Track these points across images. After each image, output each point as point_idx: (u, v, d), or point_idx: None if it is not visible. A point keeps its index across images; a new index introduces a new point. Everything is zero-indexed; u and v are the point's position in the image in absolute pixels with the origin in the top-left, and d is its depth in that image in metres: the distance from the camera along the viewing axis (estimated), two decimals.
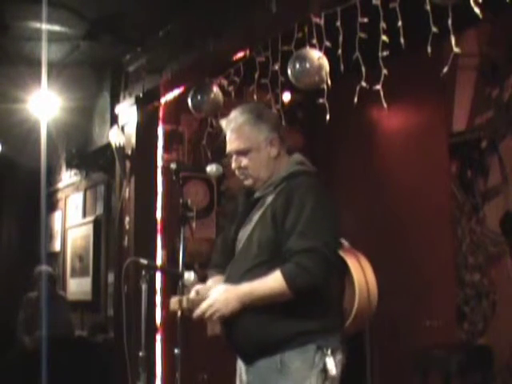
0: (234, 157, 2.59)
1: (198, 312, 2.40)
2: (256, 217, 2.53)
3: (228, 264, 2.58)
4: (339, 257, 2.52)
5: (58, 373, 5.03)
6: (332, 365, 2.37)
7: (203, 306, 2.39)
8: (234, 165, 2.60)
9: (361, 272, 2.52)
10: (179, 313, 2.50)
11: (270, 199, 2.52)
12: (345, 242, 2.61)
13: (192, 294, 2.50)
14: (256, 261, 2.43)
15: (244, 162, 2.56)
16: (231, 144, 2.59)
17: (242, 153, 2.56)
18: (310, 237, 2.35)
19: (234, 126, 2.57)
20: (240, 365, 2.56)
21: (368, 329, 4.88)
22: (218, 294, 2.40)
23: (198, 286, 2.55)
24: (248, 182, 2.61)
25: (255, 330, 2.39)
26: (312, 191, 2.44)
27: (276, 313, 2.37)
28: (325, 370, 2.37)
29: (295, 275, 2.32)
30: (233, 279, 2.46)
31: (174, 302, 2.51)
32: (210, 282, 2.62)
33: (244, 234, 2.56)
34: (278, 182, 2.53)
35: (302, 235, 2.36)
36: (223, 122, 2.62)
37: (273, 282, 2.34)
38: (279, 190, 2.50)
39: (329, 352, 2.38)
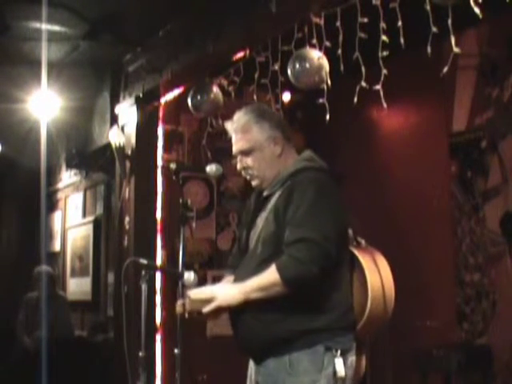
0: (239, 157, 2.59)
1: (206, 309, 2.40)
2: (264, 216, 2.53)
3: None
4: (350, 253, 2.50)
5: (58, 373, 5.03)
6: (341, 366, 2.33)
7: (212, 306, 2.40)
8: (239, 166, 2.59)
9: (376, 274, 2.48)
10: (186, 315, 2.49)
11: (276, 197, 2.52)
12: (362, 241, 2.57)
13: (187, 299, 2.49)
14: (261, 258, 2.43)
15: (248, 161, 2.56)
16: (236, 145, 2.59)
17: (245, 153, 2.56)
18: (306, 228, 2.32)
19: (236, 127, 2.58)
20: (251, 365, 2.56)
21: None
22: (220, 289, 2.45)
23: (193, 290, 2.54)
24: (255, 183, 2.61)
25: (260, 329, 2.39)
26: (313, 185, 2.42)
27: (280, 312, 2.36)
28: (335, 372, 2.33)
29: (287, 266, 2.30)
30: (241, 278, 2.46)
31: (178, 305, 2.51)
32: (223, 282, 2.64)
33: (254, 233, 2.56)
34: (284, 179, 2.52)
35: (297, 226, 2.34)
36: (228, 125, 2.63)
37: (268, 274, 2.33)
38: (284, 188, 2.49)
39: (338, 353, 2.35)
